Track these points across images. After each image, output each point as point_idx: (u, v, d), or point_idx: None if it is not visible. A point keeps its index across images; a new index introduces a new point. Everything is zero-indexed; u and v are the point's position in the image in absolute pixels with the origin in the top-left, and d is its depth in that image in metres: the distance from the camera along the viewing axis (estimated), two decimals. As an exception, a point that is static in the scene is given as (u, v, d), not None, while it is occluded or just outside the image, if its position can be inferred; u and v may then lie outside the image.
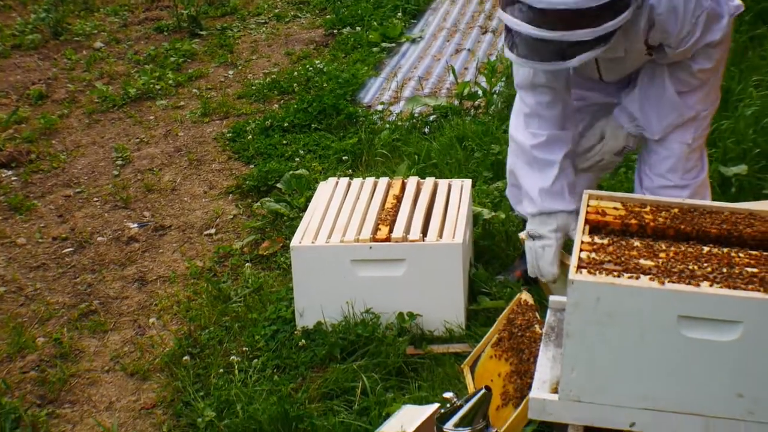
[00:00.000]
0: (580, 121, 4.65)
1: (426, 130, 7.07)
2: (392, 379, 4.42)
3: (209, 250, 5.88)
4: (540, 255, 4.37)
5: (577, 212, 4.24)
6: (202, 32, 9.80)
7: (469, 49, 8.83)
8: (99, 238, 6.12)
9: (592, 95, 4.62)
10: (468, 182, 5.27)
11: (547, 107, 4.37)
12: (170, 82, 8.50)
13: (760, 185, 5.54)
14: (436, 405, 3.83)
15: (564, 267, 4.30)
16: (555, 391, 3.51)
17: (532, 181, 4.41)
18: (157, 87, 8.38)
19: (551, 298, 3.99)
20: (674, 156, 4.43)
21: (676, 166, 4.45)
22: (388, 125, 7.17)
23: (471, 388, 4.21)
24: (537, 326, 4.09)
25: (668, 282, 3.29)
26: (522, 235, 4.58)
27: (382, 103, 7.75)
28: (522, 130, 4.43)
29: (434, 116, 7.23)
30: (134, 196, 6.63)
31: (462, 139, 6.56)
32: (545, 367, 3.67)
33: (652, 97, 4.36)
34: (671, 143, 4.42)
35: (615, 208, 3.78)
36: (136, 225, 6.26)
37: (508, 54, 3.99)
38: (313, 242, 4.73)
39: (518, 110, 4.49)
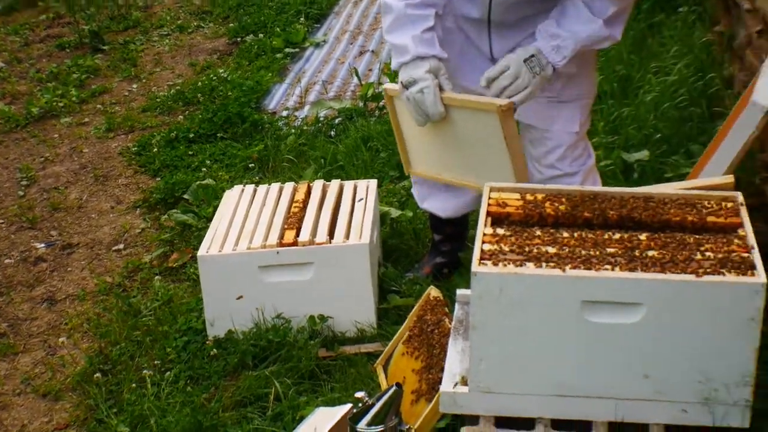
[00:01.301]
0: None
1: (332, 133, 7.07)
2: (305, 383, 4.41)
3: (118, 266, 5.82)
4: (421, 99, 4.24)
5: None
6: (104, 47, 9.72)
7: (372, 51, 8.84)
8: (6, 260, 6.04)
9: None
10: (373, 182, 5.28)
11: None
12: (74, 99, 8.41)
13: (662, 170, 5.59)
14: (349, 405, 3.82)
15: (446, 106, 4.26)
16: (465, 383, 3.52)
17: (406, 33, 4.30)
18: (61, 104, 8.29)
19: (459, 291, 4.01)
20: (563, 145, 4.47)
21: (565, 155, 4.48)
22: (293, 130, 7.16)
23: (384, 387, 4.20)
24: (446, 321, 4.09)
25: (569, 268, 3.31)
26: (389, 87, 4.58)
27: (287, 108, 7.73)
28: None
29: (339, 119, 7.23)
30: (40, 215, 6.55)
31: (367, 140, 6.57)
32: (455, 360, 3.69)
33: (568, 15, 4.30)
34: (558, 134, 4.45)
35: (516, 200, 3.79)
36: (43, 245, 6.18)
37: None
38: (219, 251, 4.71)
39: None
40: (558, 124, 4.46)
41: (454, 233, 4.97)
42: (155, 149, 7.20)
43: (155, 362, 4.73)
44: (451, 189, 4.80)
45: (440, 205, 4.91)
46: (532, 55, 4.15)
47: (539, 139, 4.52)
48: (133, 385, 4.58)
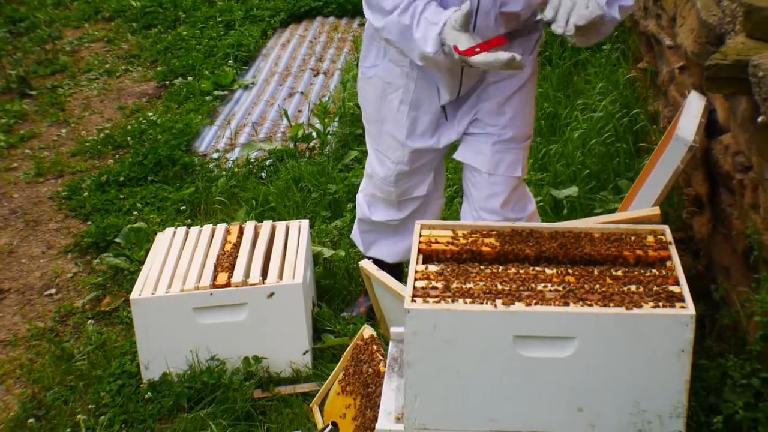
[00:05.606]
0: (422, 181, 4.72)
1: (263, 174, 7.08)
2: (241, 424, 4.41)
3: (50, 311, 5.78)
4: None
5: None
6: (32, 92, 9.64)
7: (302, 92, 8.87)
8: (-65, 307, 5.98)
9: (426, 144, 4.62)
10: (305, 222, 5.30)
11: None
12: (2, 144, 8.33)
13: (591, 205, 5.67)
14: (286, 446, 3.84)
15: None
16: (401, 420, 3.54)
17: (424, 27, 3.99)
18: (-12, 150, 8.23)
19: (392, 329, 4.03)
20: (506, 191, 4.50)
21: (507, 200, 4.51)
22: (224, 172, 7.15)
23: (320, 427, 4.21)
24: (381, 359, 4.12)
25: (501, 304, 3.35)
26: (364, 265, 4.61)
27: (218, 150, 7.72)
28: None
29: (270, 161, 7.24)
30: (-30, 261, 6.50)
31: (298, 180, 6.61)
32: (390, 398, 3.70)
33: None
34: (503, 179, 4.49)
35: (447, 237, 3.83)
36: (-27, 291, 6.13)
37: None
38: (153, 293, 4.70)
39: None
40: (502, 168, 4.50)
41: (392, 274, 5.00)
42: (86, 193, 7.15)
43: (89, 407, 4.70)
44: (398, 234, 4.85)
45: (387, 251, 4.96)
46: None
47: (482, 183, 4.54)
48: (68, 430, 4.55)
